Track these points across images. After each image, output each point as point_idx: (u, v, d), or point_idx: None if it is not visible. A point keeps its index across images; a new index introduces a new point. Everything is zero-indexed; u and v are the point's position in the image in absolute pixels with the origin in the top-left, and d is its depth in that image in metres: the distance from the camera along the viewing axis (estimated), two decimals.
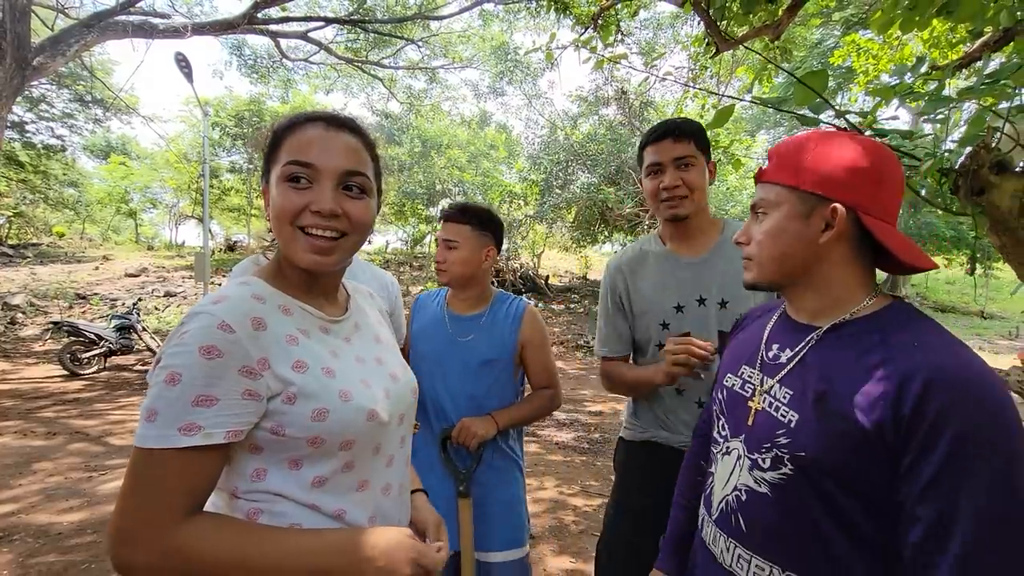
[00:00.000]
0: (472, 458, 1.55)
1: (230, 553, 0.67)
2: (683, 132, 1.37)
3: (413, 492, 1.00)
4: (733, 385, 0.93)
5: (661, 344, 1.41)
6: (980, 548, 0.59)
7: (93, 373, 7.11)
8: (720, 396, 0.96)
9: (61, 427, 4.87)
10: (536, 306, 13.86)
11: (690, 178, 1.37)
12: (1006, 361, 8.76)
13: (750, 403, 0.86)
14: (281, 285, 0.82)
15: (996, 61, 2.62)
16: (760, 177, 0.86)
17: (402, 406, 0.89)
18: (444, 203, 16.30)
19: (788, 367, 0.82)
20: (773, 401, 0.81)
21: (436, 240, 1.66)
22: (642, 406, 1.52)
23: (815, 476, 0.73)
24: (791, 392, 0.79)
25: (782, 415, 0.79)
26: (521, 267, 14.78)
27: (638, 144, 1.47)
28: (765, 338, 0.91)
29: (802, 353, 0.81)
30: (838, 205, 0.76)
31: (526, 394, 1.72)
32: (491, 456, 1.59)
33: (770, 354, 0.88)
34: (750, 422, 0.84)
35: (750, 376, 0.89)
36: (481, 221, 1.61)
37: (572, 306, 13.57)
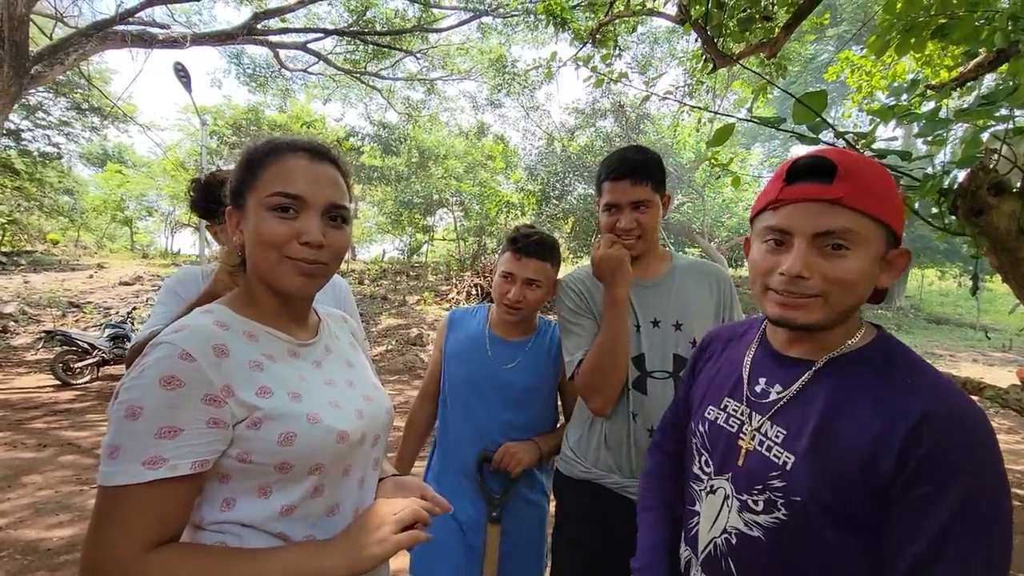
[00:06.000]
0: (509, 483, 1.50)
1: None
2: (641, 175, 1.36)
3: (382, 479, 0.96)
4: (716, 419, 0.87)
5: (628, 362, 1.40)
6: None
7: (86, 383, 7.03)
8: (701, 428, 0.90)
9: (52, 439, 4.81)
10: None
11: (645, 220, 1.38)
12: (1002, 375, 8.80)
13: (740, 441, 0.81)
14: (248, 312, 0.81)
15: (989, 77, 2.66)
16: (841, 199, 0.69)
17: (376, 427, 0.89)
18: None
19: (780, 404, 0.78)
20: (765, 440, 0.77)
21: (506, 274, 1.49)
22: (590, 442, 1.44)
23: (811, 520, 0.70)
24: (784, 431, 0.75)
25: (775, 456, 0.75)
26: None
27: (597, 172, 1.46)
28: (748, 370, 0.85)
29: (796, 390, 0.77)
30: (909, 250, 0.73)
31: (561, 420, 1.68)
32: (528, 490, 1.55)
33: (757, 389, 0.82)
34: (740, 462, 0.80)
35: (735, 410, 0.84)
36: (557, 258, 1.53)
37: None
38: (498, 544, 1.44)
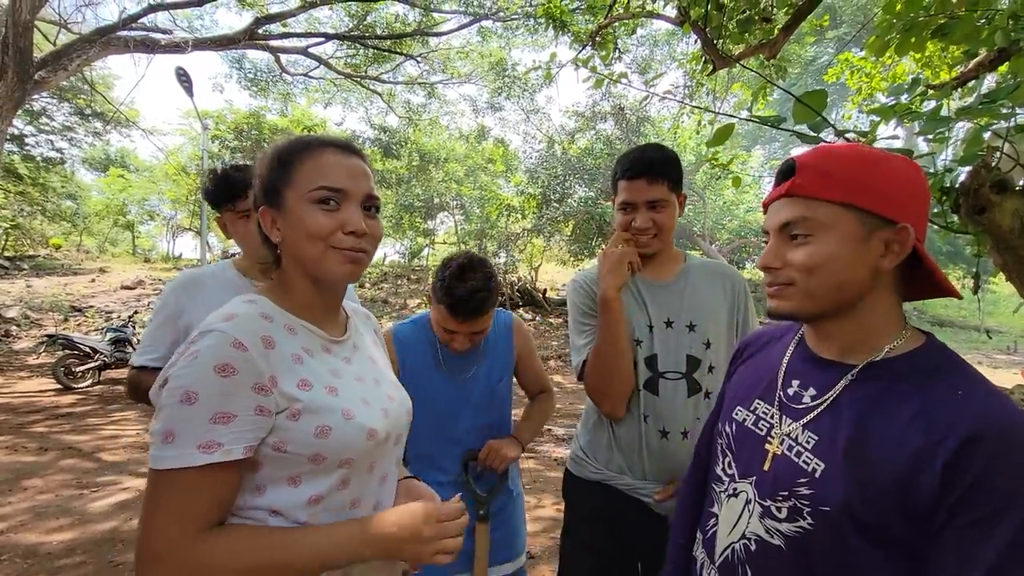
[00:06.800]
0: (496, 481, 1.51)
1: (254, 559, 0.69)
2: (658, 173, 1.34)
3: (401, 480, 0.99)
4: (744, 420, 0.84)
5: (633, 361, 1.38)
6: None
7: (87, 387, 7.04)
8: (728, 429, 0.87)
9: (53, 442, 4.80)
10: (534, 319, 13.73)
11: (661, 219, 1.36)
12: (1007, 377, 8.76)
13: (767, 445, 0.78)
14: (285, 304, 0.84)
15: (990, 77, 2.66)
16: (794, 190, 0.73)
17: (398, 426, 0.91)
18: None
19: (815, 410, 0.74)
20: (794, 445, 0.74)
21: (447, 330, 1.42)
22: (600, 442, 1.43)
23: (838, 531, 0.66)
24: (816, 437, 0.72)
25: (805, 462, 0.72)
26: (519, 280, 14.76)
27: (612, 170, 1.44)
28: (783, 372, 0.82)
29: (834, 396, 0.73)
30: (909, 226, 0.69)
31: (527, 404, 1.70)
32: (504, 487, 1.57)
33: (789, 391, 0.79)
34: (766, 466, 0.76)
35: (765, 412, 0.81)
36: (498, 293, 1.45)
37: None
38: (488, 542, 1.44)
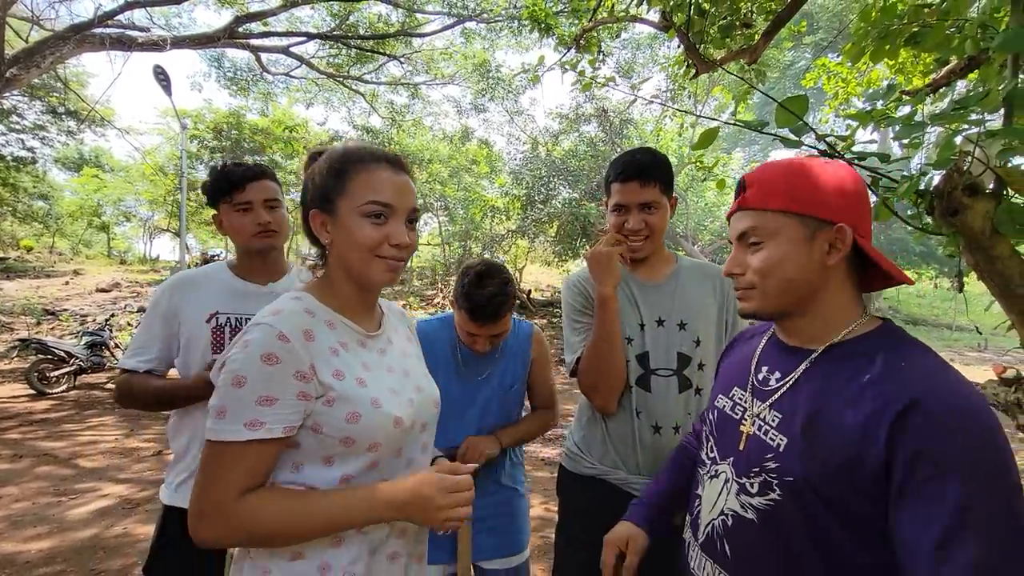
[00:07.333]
0: (473, 477, 1.55)
1: (286, 517, 0.78)
2: (650, 176, 1.38)
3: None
4: (724, 406, 0.92)
5: (625, 359, 1.41)
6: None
7: (62, 392, 6.86)
8: (711, 417, 0.95)
9: (28, 449, 4.68)
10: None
11: (653, 221, 1.41)
12: (979, 373, 9.04)
13: (741, 427, 0.85)
14: (328, 301, 0.92)
15: (961, 84, 2.75)
16: (744, 204, 0.83)
17: (424, 415, 0.98)
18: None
19: (779, 391, 0.81)
20: (763, 425, 0.81)
21: (470, 333, 1.48)
22: (595, 437, 1.46)
23: (803, 502, 0.72)
24: (780, 415, 0.79)
25: (771, 439, 0.78)
26: None
27: (606, 174, 1.48)
28: (755, 360, 0.91)
29: (795, 377, 0.80)
30: (844, 225, 0.75)
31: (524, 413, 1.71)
32: (499, 477, 1.58)
33: (760, 376, 0.87)
34: (741, 446, 0.83)
35: (740, 398, 0.89)
36: (514, 298, 1.49)
37: (555, 320, 13.60)
38: (470, 540, 1.46)
